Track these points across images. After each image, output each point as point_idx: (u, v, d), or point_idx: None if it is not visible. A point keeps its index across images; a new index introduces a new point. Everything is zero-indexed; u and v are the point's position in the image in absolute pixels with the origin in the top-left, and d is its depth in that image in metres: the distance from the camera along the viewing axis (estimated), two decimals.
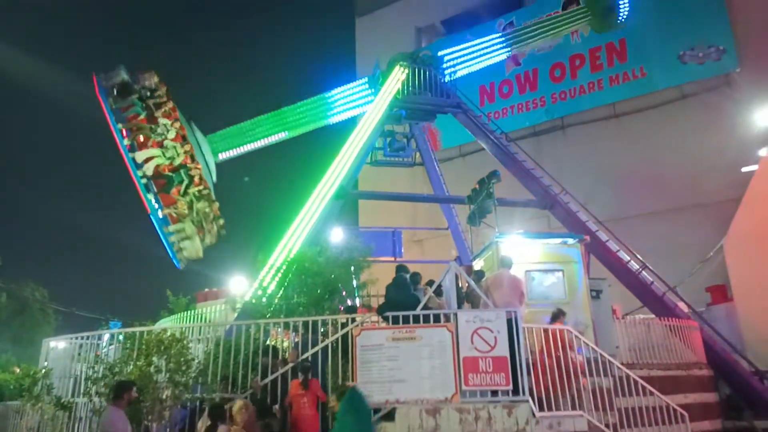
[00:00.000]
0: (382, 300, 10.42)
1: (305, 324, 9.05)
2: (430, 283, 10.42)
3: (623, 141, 24.26)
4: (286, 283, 11.31)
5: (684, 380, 10.94)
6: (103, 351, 10.72)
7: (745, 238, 15.96)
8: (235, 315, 11.41)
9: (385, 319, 8.73)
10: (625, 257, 14.00)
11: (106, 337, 11.16)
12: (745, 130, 18.81)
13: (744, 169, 18.26)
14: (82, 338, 10.60)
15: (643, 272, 13.85)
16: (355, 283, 12.03)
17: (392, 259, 16.34)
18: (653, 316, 12.84)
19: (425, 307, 8.82)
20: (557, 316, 9.33)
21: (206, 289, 20.71)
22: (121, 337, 10.19)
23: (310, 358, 8.56)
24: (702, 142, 21.83)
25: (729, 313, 16.18)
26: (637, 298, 14.03)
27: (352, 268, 11.52)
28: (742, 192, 16.49)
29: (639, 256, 14.19)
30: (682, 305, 13.89)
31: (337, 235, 15.09)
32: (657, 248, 18.23)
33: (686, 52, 23.72)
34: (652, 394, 8.69)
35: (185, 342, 8.93)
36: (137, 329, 9.50)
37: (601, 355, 8.87)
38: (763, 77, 20.43)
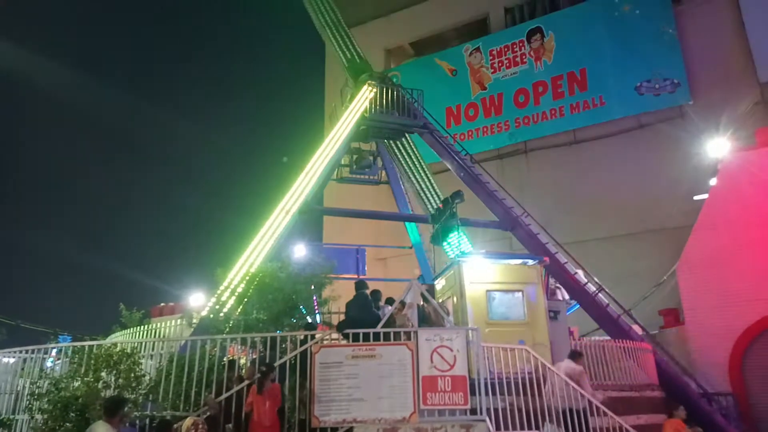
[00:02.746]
0: (343, 317, 10.35)
1: (263, 340, 8.88)
2: (389, 300, 10.41)
3: (583, 167, 25.00)
4: (245, 299, 11.09)
5: (637, 401, 11.17)
6: (49, 366, 10.26)
7: (696, 263, 16.54)
8: (191, 330, 11.09)
9: (345, 336, 8.66)
10: (583, 279, 14.31)
11: (54, 351, 10.69)
12: (697, 160, 19.61)
13: (696, 197, 19.02)
14: (27, 352, 10.13)
15: (600, 294, 14.17)
16: (316, 299, 11.88)
17: (355, 276, 16.26)
18: (609, 337, 13.11)
19: (388, 325, 8.80)
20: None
21: (162, 304, 20.16)
22: (69, 352, 9.76)
23: (269, 362, 8.34)
24: (657, 171, 22.68)
25: (681, 336, 16.67)
26: (593, 320, 14.33)
27: (312, 286, 11.37)
28: (695, 219, 17.15)
29: (596, 279, 14.52)
30: (636, 328, 14.25)
31: (299, 251, 14.95)
32: (613, 272, 18.73)
33: (643, 84, 24.74)
34: (606, 414, 8.83)
35: (136, 357, 8.64)
36: (86, 343, 9.15)
37: (557, 375, 8.98)
38: (713, 111, 21.43)
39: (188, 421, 6.94)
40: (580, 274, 14.36)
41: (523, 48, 28.43)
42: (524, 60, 28.33)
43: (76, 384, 8.22)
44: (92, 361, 8.44)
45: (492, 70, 29.12)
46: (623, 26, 25.80)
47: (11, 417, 9.09)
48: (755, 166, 16.29)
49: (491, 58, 29.22)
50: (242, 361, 9.61)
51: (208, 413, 7.86)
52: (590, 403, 8.74)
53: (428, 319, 10.04)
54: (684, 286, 16.81)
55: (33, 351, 10.10)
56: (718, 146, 17.75)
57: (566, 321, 11.73)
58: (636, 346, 12.40)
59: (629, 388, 11.32)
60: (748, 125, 19.48)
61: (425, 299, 9.83)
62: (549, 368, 9.04)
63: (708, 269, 16.18)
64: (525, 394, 8.73)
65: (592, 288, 14.18)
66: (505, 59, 28.80)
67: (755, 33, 22.92)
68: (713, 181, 17.35)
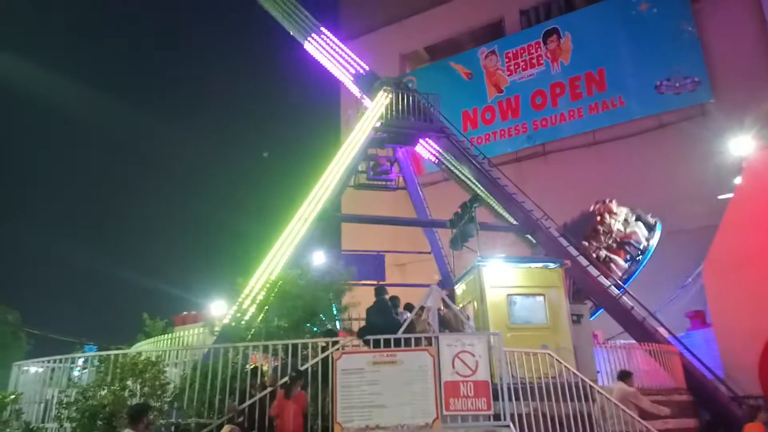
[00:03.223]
0: (363, 323, 10.36)
1: (285, 347, 8.92)
2: (408, 307, 10.39)
3: (603, 168, 24.69)
4: (266, 307, 11.17)
5: (664, 405, 10.94)
6: (76, 375, 10.43)
7: (722, 264, 16.18)
8: (214, 338, 11.20)
9: (366, 342, 8.65)
10: (606, 282, 14.11)
11: (80, 361, 10.88)
12: (720, 159, 19.25)
13: (720, 197, 18.65)
14: (55, 362, 10.32)
15: (624, 297, 13.95)
16: (335, 306, 11.92)
17: (375, 282, 16.25)
18: (634, 341, 12.90)
19: (408, 330, 8.77)
20: (626, 376, 9.22)
21: (184, 313, 20.37)
22: (95, 361, 9.92)
23: (298, 369, 8.39)
24: (680, 170, 22.30)
25: (708, 338, 16.32)
26: (618, 323, 14.11)
27: (331, 294, 11.41)
28: (719, 219, 16.81)
29: (619, 281, 14.31)
30: (662, 330, 13.99)
31: (319, 258, 15.00)
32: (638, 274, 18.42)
33: (663, 83, 24.41)
34: (632, 419, 8.68)
35: (161, 366, 8.74)
36: (111, 352, 9.29)
37: (582, 379, 8.86)
38: (735, 108, 21.03)
39: (225, 429, 7.03)
40: (603, 278, 14.18)
41: (539, 49, 28.27)
42: (541, 62, 28.16)
43: (103, 393, 8.35)
44: (118, 370, 8.57)
45: (508, 73, 28.99)
46: (641, 25, 25.50)
47: (41, 425, 9.26)
48: None
49: (507, 60, 29.09)
50: (264, 368, 9.67)
51: (239, 419, 7.94)
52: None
53: (449, 324, 9.99)
54: (710, 287, 16.45)
55: (60, 360, 10.29)
56: (742, 144, 17.39)
57: (590, 324, 11.56)
58: (662, 348, 12.17)
59: (656, 392, 11.10)
60: None
61: (445, 304, 9.78)
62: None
63: (734, 270, 15.81)
64: (549, 399, 8.62)
65: (615, 291, 13.98)
66: (522, 61, 28.65)
67: None
68: (738, 180, 17.00)
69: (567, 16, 27.91)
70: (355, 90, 18.99)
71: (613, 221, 16.48)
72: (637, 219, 16.87)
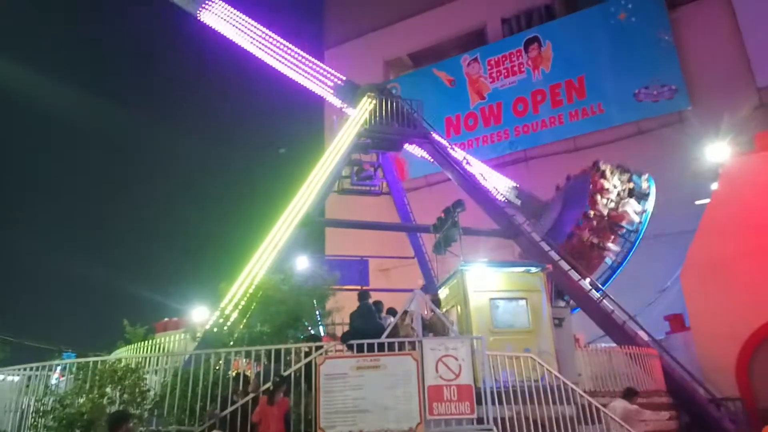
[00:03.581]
0: (346, 328, 10.33)
1: (267, 353, 8.86)
2: (391, 311, 10.40)
3: None
4: (249, 312, 11.09)
5: (645, 408, 11.07)
6: (54, 383, 10.23)
7: (699, 268, 16.47)
8: (195, 345, 11.08)
9: (350, 347, 8.63)
10: (587, 286, 14.27)
11: (58, 368, 10.66)
12: (698, 165, 19.63)
13: (697, 202, 19.00)
14: (32, 369, 10.11)
15: (604, 301, 14.12)
16: (319, 311, 11.88)
17: (358, 287, 16.23)
18: (614, 344, 13.05)
19: (392, 335, 8.78)
20: (631, 394, 9.24)
21: (166, 319, 20.13)
22: (73, 368, 9.74)
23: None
24: (659, 176, 22.59)
25: (686, 341, 16.57)
26: (599, 327, 14.26)
27: (314, 299, 11.37)
28: (697, 224, 17.11)
29: (599, 285, 14.48)
30: (642, 334, 14.18)
31: (302, 263, 14.95)
32: (617, 278, 18.65)
33: (641, 90, 24.87)
34: (613, 421, 8.77)
35: (141, 372, 8.63)
36: (90, 359, 9.13)
37: (564, 382, 8.94)
38: (711, 115, 21.49)
39: None
40: (584, 281, 14.34)
41: (520, 57, 28.63)
42: (522, 69, 28.51)
43: (81, 400, 8.21)
44: (97, 377, 8.44)
45: (490, 80, 29.29)
46: (620, 34, 25.99)
47: None
48: (756, 170, 16.29)
49: (489, 67, 29.40)
50: (247, 374, 9.59)
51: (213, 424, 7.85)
52: None
53: (432, 328, 10.01)
54: (688, 291, 16.73)
55: (37, 368, 10.08)
56: (718, 151, 17.78)
57: (571, 328, 11.67)
58: (642, 352, 12.33)
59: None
60: (748, 129, 19.51)
61: (429, 308, 9.81)
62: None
63: (711, 274, 16.11)
64: (532, 402, 8.68)
65: (596, 294, 14.14)
66: (503, 69, 28.97)
67: (752, 38, 23.07)
68: (714, 186, 17.35)
69: (547, 24, 28.34)
70: (335, 101, 18.99)
71: (605, 200, 16.59)
72: (630, 193, 16.98)
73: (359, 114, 16.62)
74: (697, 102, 23.73)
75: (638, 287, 19.75)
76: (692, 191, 20.04)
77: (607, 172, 17.17)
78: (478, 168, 18.90)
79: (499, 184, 19.57)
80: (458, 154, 18.29)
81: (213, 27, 18.33)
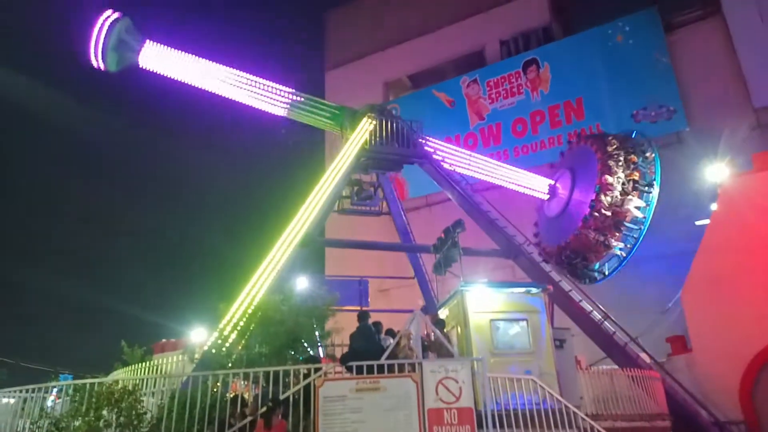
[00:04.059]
0: (346, 349, 10.25)
1: (266, 375, 8.77)
2: (389, 332, 10.33)
3: None
4: (248, 333, 11.01)
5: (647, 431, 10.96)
6: (50, 405, 10.11)
7: (700, 289, 16.41)
8: (193, 366, 10.98)
9: (349, 369, 8.56)
10: (588, 307, 14.20)
11: (54, 390, 10.55)
12: (697, 185, 19.68)
13: (697, 222, 19.00)
14: (27, 391, 10.00)
15: (606, 322, 14.04)
16: (318, 332, 11.79)
17: (358, 308, 16.15)
18: (616, 366, 12.93)
19: (391, 356, 8.70)
20: None
21: (164, 340, 20.00)
22: (70, 390, 9.64)
23: (276, 398, 8.22)
24: (658, 196, 22.70)
25: (689, 363, 16.41)
26: (600, 349, 14.15)
27: (314, 320, 11.30)
28: (697, 244, 17.09)
29: (601, 307, 14.41)
30: (644, 356, 14.07)
31: (302, 284, 14.89)
32: (618, 299, 18.56)
33: (639, 112, 25.02)
34: None
35: (138, 395, 8.54)
36: (87, 381, 9.04)
37: (565, 406, 8.84)
38: (709, 136, 21.62)
39: None
40: (585, 303, 14.27)
41: (519, 79, 28.89)
42: (521, 90, 28.75)
43: (77, 423, 8.12)
44: (93, 399, 8.35)
45: (490, 101, 29.52)
46: (617, 56, 26.25)
47: None
48: (754, 190, 16.33)
49: (488, 89, 29.66)
50: (245, 396, 9.49)
51: None
52: None
53: (433, 349, 9.93)
54: (689, 312, 16.64)
55: (33, 390, 9.97)
56: (716, 171, 17.83)
57: (573, 350, 11.58)
58: (644, 374, 12.22)
59: (639, 417, 11.11)
60: (746, 150, 19.60)
61: (429, 329, 9.74)
62: (557, 398, 8.83)
63: (712, 295, 16.05)
64: (533, 425, 8.58)
65: (597, 316, 14.06)
66: (502, 90, 29.22)
67: (747, 60, 23.31)
68: (714, 206, 17.37)
69: (546, 47, 28.65)
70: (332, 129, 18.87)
71: (609, 198, 16.88)
72: (634, 186, 17.21)
73: (360, 134, 16.72)
74: (695, 123, 23.88)
75: (639, 308, 19.63)
76: (692, 212, 20.04)
77: (613, 166, 17.20)
78: (506, 171, 19.21)
79: (534, 182, 19.59)
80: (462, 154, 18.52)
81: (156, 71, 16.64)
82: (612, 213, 16.70)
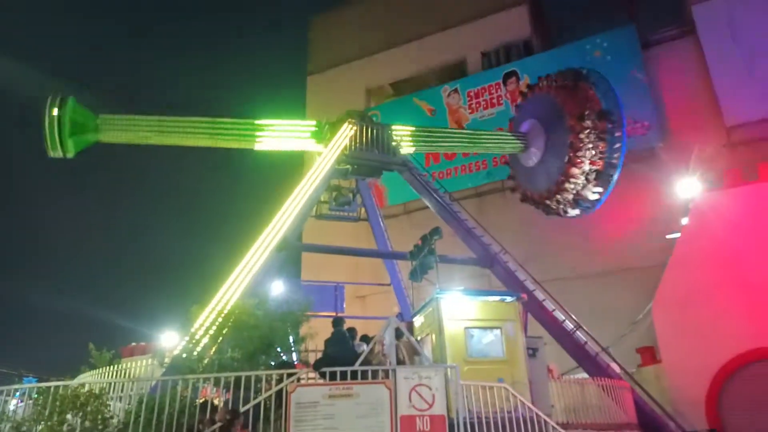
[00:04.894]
0: (320, 355, 10.17)
1: (237, 380, 8.64)
2: (364, 338, 10.29)
3: None
4: (221, 337, 10.83)
5: None
6: (12, 409, 9.80)
7: (670, 302, 16.75)
8: (162, 371, 10.76)
9: (322, 375, 8.49)
10: (561, 317, 14.35)
11: (17, 393, 10.23)
12: (670, 200, 20.11)
13: (668, 236, 19.41)
14: None
15: (578, 332, 14.20)
16: (292, 337, 11.66)
17: (333, 313, 16.05)
18: (587, 376, 13.08)
19: (365, 363, 8.66)
20: None
21: (133, 344, 19.59)
22: (33, 394, 9.36)
23: (234, 408, 8.08)
24: (631, 210, 23.13)
25: (658, 374, 16.72)
26: (572, 358, 14.31)
27: (288, 325, 11.18)
28: (669, 258, 17.44)
29: (573, 316, 14.58)
30: (614, 366, 14.26)
31: (277, 288, 14.75)
32: (590, 310, 18.80)
33: None
34: None
35: (104, 398, 8.33)
36: (51, 384, 8.79)
37: (537, 414, 8.90)
38: (683, 152, 22.11)
39: None
40: (558, 312, 14.42)
41: (499, 90, 29.24)
42: (501, 101, 29.09)
43: (39, 428, 7.89)
44: (57, 403, 8.11)
45: (470, 111, 29.79)
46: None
47: None
48: (724, 206, 16.77)
49: (469, 99, 29.94)
50: (215, 402, 9.33)
51: None
52: None
53: (407, 353, 9.90)
54: (659, 324, 16.96)
55: None
56: (688, 186, 18.25)
57: (545, 359, 11.67)
58: (614, 384, 12.38)
59: (608, 427, 11.23)
60: (717, 167, 20.12)
61: (399, 336, 9.70)
62: (528, 406, 8.89)
63: (682, 307, 16.39)
64: None
65: (570, 326, 14.22)
66: (483, 100, 29.54)
67: (720, 79, 23.99)
68: (685, 221, 17.76)
69: (526, 60, 29.07)
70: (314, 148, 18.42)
71: (571, 185, 18.98)
72: (597, 175, 18.70)
73: (339, 139, 16.68)
74: (668, 138, 24.45)
75: (611, 319, 19.94)
76: (665, 226, 20.46)
77: (581, 156, 18.53)
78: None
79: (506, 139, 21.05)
80: None
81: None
82: (574, 195, 19.03)
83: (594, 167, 18.40)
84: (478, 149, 22.26)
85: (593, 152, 18.30)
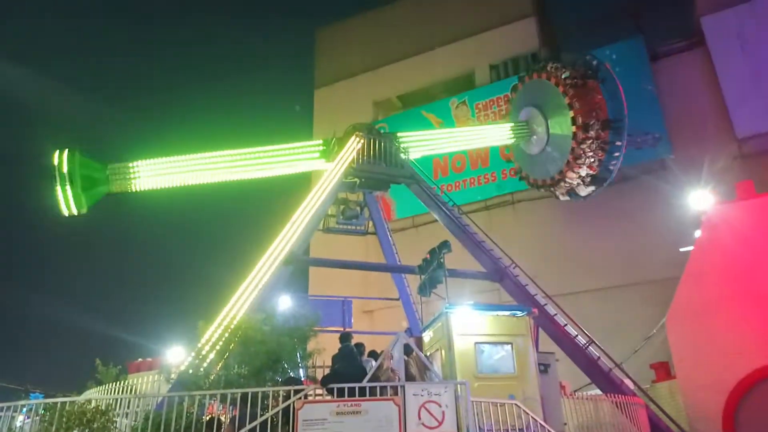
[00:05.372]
0: (328, 371, 10.04)
1: (244, 396, 8.53)
2: (372, 354, 10.16)
3: (569, 218, 25.19)
4: (227, 353, 10.74)
5: None
6: (18, 425, 9.74)
7: (684, 316, 16.44)
8: (169, 387, 10.66)
9: (330, 391, 8.36)
10: (573, 332, 14.13)
11: (24, 409, 10.18)
12: (681, 212, 19.86)
13: (681, 249, 19.13)
14: None
15: (590, 347, 13.96)
16: (300, 353, 11.54)
17: (341, 329, 15.92)
18: (600, 392, 12.84)
19: (373, 379, 8.52)
20: None
21: (139, 359, 19.54)
22: (40, 410, 9.31)
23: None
24: (643, 222, 22.91)
25: (672, 390, 16.37)
26: (585, 374, 14.06)
27: (296, 340, 11.06)
28: (682, 271, 17.17)
29: (585, 331, 14.35)
30: (628, 382, 13.99)
31: (284, 303, 14.65)
32: (602, 324, 18.56)
33: None
34: None
35: (111, 415, 8.25)
36: (58, 400, 8.73)
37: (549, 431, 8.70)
38: (693, 164, 21.91)
39: None
40: (570, 327, 14.21)
41: (507, 102, 29.20)
42: (509, 113, 29.03)
43: None
44: (64, 419, 8.05)
45: (478, 123, 29.76)
46: None
47: None
48: (737, 219, 16.51)
49: (477, 111, 29.93)
50: (222, 418, 9.22)
51: None
52: None
53: (418, 369, 9.74)
54: (673, 339, 16.63)
55: (2, 409, 9.61)
56: (700, 199, 17.99)
57: (557, 375, 11.46)
58: (628, 400, 12.12)
59: None
60: (728, 179, 19.88)
61: (408, 352, 9.56)
62: (541, 424, 8.70)
63: (696, 322, 16.07)
64: None
65: (582, 341, 13.99)
66: (491, 112, 29.51)
67: (729, 91, 23.83)
68: (697, 234, 17.50)
69: None
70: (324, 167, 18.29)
71: (566, 184, 20.77)
72: (592, 181, 20.25)
73: (347, 153, 16.66)
74: (679, 150, 24.24)
75: (624, 334, 19.64)
76: (677, 238, 20.18)
77: (581, 162, 19.47)
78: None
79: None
80: None
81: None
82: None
83: (591, 172, 18.73)
84: (487, 143, 23.06)
85: (592, 160, 18.55)
